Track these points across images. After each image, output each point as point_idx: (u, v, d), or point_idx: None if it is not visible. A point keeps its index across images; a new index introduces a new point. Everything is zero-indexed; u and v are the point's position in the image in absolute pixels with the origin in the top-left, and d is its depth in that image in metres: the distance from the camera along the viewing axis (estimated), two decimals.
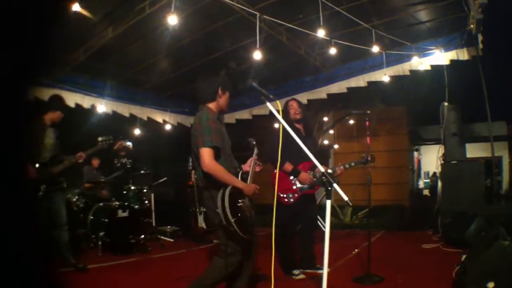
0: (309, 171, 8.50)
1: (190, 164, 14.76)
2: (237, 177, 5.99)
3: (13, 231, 2.63)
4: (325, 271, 4.51)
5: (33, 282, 2.80)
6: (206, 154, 5.62)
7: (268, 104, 5.19)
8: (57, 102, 9.33)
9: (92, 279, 8.72)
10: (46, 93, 11.62)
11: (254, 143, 6.91)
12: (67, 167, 8.97)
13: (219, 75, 6.38)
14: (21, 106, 2.84)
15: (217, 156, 5.76)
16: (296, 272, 8.40)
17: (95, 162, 13.07)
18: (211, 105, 6.09)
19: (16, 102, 2.75)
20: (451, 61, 12.74)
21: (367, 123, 8.80)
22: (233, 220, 5.40)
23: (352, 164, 8.67)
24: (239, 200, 5.76)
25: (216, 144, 5.70)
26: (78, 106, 13.00)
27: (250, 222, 5.97)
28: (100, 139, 9.36)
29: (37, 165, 8.60)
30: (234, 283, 6.20)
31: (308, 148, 4.95)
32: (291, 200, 8.43)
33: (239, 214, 5.64)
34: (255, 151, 6.72)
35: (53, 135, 9.08)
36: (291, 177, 8.51)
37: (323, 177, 4.53)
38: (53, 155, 8.91)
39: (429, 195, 24.36)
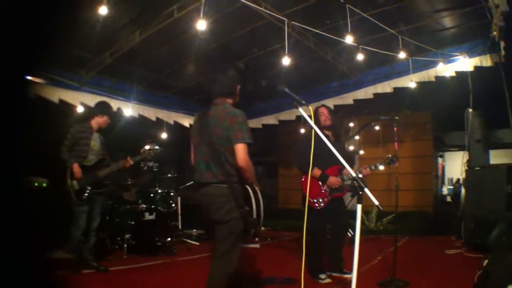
0: (337, 175, 8.56)
1: None
2: None
3: (13, 232, 2.68)
4: (354, 274, 4.56)
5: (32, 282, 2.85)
6: (244, 149, 5.59)
7: (300, 109, 5.23)
8: (104, 107, 9.51)
9: (118, 280, 8.81)
10: (71, 96, 11.78)
11: None
12: (114, 171, 9.22)
13: (236, 72, 6.33)
14: (21, 103, 2.87)
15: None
16: (322, 276, 8.43)
17: None
18: (229, 100, 6.06)
19: (16, 99, 2.78)
20: (475, 67, 12.71)
21: (395, 129, 8.84)
22: (262, 219, 5.44)
23: (377, 165, 8.73)
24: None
25: (251, 141, 5.67)
26: None
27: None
28: (147, 147, 9.60)
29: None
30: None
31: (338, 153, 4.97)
32: (322, 204, 8.49)
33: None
34: None
35: (99, 139, 9.31)
36: (320, 182, 8.55)
37: (354, 182, 4.58)
38: (99, 159, 9.15)
39: (451, 201, 24.26)
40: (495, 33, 10.15)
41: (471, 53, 12.78)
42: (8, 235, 2.81)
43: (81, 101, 12.62)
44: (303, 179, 8.59)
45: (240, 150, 5.55)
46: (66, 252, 9.75)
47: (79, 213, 8.78)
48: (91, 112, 9.73)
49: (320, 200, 8.49)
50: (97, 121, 9.23)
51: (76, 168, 8.69)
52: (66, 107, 12.28)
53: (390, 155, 8.73)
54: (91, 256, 9.21)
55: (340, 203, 9.00)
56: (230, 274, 5.73)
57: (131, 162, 9.33)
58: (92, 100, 12.49)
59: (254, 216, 5.58)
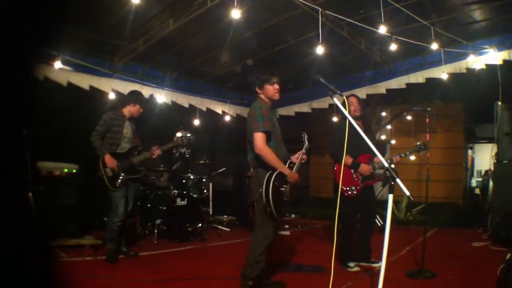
0: (368, 163, 8.67)
1: None
2: (285, 164, 6.61)
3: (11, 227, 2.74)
4: (383, 264, 4.62)
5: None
6: (258, 138, 6.30)
7: (334, 99, 5.34)
8: (136, 96, 9.64)
9: (148, 265, 8.92)
10: (103, 83, 11.90)
11: (307, 137, 7.33)
12: (147, 159, 9.39)
13: (254, 75, 6.92)
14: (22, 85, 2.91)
15: (268, 140, 6.42)
16: (351, 264, 8.52)
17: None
18: (262, 96, 6.81)
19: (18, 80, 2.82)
20: (504, 61, 12.56)
21: (427, 120, 8.85)
22: (272, 202, 6.09)
23: (408, 153, 8.83)
24: (283, 186, 6.45)
25: (268, 129, 6.36)
26: None
27: (285, 207, 6.72)
28: (178, 135, 9.74)
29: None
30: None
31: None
32: (354, 192, 8.62)
33: (279, 198, 6.33)
34: (306, 145, 7.21)
35: (131, 127, 9.43)
36: (352, 170, 8.64)
37: (387, 172, 4.65)
38: (132, 146, 9.31)
39: (480, 193, 24.10)
40: None
41: (501, 47, 12.63)
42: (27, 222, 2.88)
43: (112, 87, 12.74)
44: (335, 168, 8.73)
45: (256, 138, 6.32)
46: (95, 238, 9.97)
47: (116, 199, 8.90)
48: (123, 100, 9.89)
49: (353, 188, 8.62)
50: (129, 110, 9.35)
51: (107, 158, 8.82)
52: (97, 94, 12.45)
53: (419, 142, 8.77)
54: (122, 241, 9.37)
55: (371, 191, 9.12)
56: (264, 247, 6.50)
57: (159, 152, 9.44)
58: (124, 87, 12.74)
59: (263, 198, 6.20)
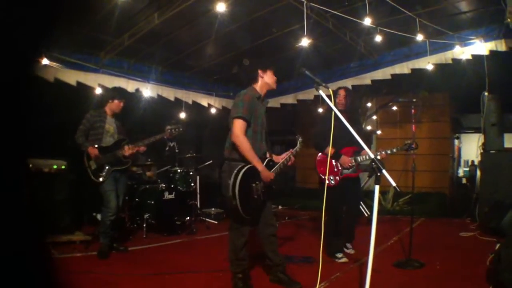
0: (351, 156, 8.71)
1: None
2: (263, 161, 6.38)
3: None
4: (371, 254, 4.66)
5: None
6: (236, 124, 6.12)
7: (320, 92, 5.36)
8: (113, 92, 9.83)
9: (138, 260, 8.93)
10: (89, 78, 11.89)
11: (300, 140, 7.20)
12: (138, 147, 9.41)
13: (256, 59, 6.79)
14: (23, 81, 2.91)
15: (245, 131, 6.18)
16: (339, 255, 8.56)
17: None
18: (255, 85, 6.67)
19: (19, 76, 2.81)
20: (491, 51, 12.60)
21: (413, 111, 8.88)
22: (238, 196, 5.90)
23: (394, 150, 8.77)
24: (255, 182, 6.21)
25: (246, 116, 6.13)
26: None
27: (255, 205, 6.30)
28: (168, 127, 9.70)
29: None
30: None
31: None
32: (333, 182, 8.69)
33: (247, 194, 6.10)
34: (297, 147, 7.24)
35: (115, 124, 9.49)
36: (333, 161, 8.72)
37: (373, 163, 4.69)
38: (117, 140, 9.35)
39: (467, 183, 24.15)
40: (508, 20, 10.21)
41: (487, 37, 12.68)
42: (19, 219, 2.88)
43: (99, 83, 12.73)
44: (317, 158, 8.88)
45: (234, 124, 6.15)
46: (85, 233, 10.00)
47: (107, 193, 8.96)
48: (103, 99, 10.00)
49: (332, 178, 8.72)
50: (110, 107, 9.45)
51: (90, 149, 8.93)
52: (84, 90, 12.43)
53: (408, 142, 8.74)
54: (115, 235, 9.42)
55: (355, 183, 9.16)
56: (241, 245, 6.47)
57: (145, 148, 9.55)
58: (110, 81, 12.81)
59: (230, 190, 6.04)
